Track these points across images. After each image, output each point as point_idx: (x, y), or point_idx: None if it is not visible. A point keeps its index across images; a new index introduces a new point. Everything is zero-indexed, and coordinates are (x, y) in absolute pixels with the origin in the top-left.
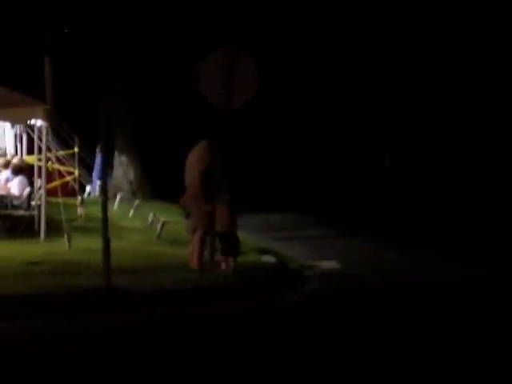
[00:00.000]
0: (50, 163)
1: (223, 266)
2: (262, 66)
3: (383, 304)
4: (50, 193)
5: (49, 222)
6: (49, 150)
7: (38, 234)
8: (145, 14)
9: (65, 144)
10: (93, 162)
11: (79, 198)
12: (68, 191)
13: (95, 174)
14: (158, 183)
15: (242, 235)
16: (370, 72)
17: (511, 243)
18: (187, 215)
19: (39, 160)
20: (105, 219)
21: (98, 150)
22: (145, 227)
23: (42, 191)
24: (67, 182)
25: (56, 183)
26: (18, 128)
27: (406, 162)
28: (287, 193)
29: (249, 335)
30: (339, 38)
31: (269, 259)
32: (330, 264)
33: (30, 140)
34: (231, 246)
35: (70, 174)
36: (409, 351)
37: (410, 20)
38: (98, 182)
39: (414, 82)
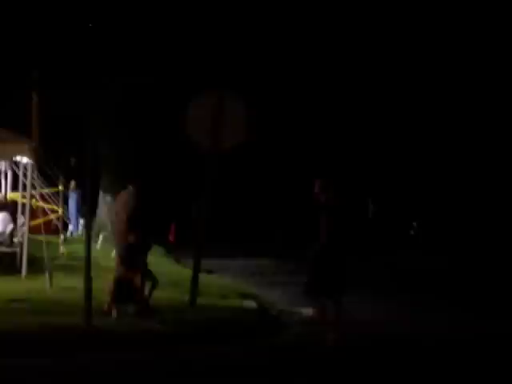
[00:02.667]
0: (34, 200)
1: (114, 313)
2: (251, 105)
3: (362, 354)
4: (34, 230)
5: (31, 259)
6: (33, 187)
7: (19, 270)
8: (134, 52)
9: (49, 182)
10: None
11: (62, 236)
12: (51, 229)
13: (72, 212)
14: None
15: (224, 279)
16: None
17: None
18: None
19: (23, 197)
20: (88, 258)
21: (71, 187)
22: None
23: (25, 228)
24: (51, 220)
25: (39, 221)
26: (3, 164)
27: (389, 211)
28: (270, 237)
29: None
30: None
31: (250, 304)
32: (310, 311)
33: (15, 176)
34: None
35: (54, 212)
36: None
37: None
38: (81, 221)
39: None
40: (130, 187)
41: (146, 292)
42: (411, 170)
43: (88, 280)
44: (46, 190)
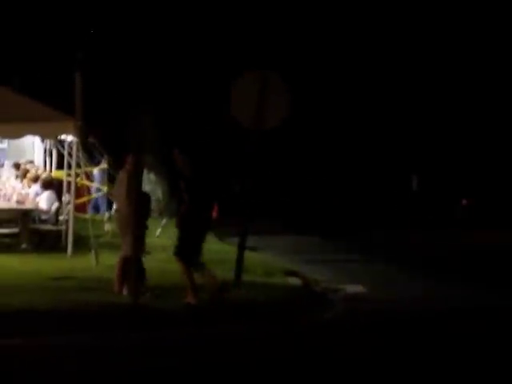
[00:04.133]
0: (79, 179)
1: (124, 291)
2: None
3: (409, 331)
4: (79, 208)
5: (76, 237)
6: (78, 165)
7: (65, 249)
8: (175, 35)
9: (94, 160)
10: None
11: (107, 214)
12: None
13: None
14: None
15: (268, 256)
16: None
17: None
18: None
19: (68, 175)
20: (134, 238)
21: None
22: (172, 246)
23: (71, 206)
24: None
25: (84, 199)
26: (48, 143)
27: (432, 185)
28: (314, 215)
29: (272, 354)
30: (364, 61)
31: (294, 281)
32: (355, 288)
33: (60, 155)
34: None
35: (99, 190)
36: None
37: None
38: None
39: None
40: (126, 166)
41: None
42: (463, 146)
43: (135, 259)
44: (90, 169)
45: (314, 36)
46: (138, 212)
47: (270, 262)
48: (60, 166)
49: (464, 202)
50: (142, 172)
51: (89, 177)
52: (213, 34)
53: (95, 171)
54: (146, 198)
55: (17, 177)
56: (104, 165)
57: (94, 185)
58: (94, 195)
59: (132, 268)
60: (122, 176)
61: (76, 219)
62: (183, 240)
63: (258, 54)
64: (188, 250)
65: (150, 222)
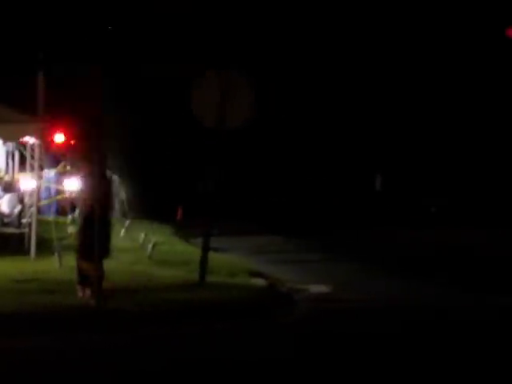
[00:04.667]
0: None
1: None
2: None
3: (368, 328)
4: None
5: (39, 240)
6: (41, 168)
7: (28, 251)
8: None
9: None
10: None
11: (70, 216)
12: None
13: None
14: (149, 203)
15: (233, 257)
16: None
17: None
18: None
19: (29, 178)
20: (98, 239)
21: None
22: (136, 247)
23: (33, 209)
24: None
25: (46, 201)
26: (10, 145)
27: (395, 184)
28: (278, 215)
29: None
30: (332, 62)
31: (259, 282)
32: (318, 288)
33: (22, 157)
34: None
35: (61, 192)
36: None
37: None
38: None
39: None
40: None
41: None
42: (427, 146)
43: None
44: (53, 171)
45: (284, 36)
46: (102, 214)
47: (235, 262)
48: (23, 169)
49: (433, 209)
50: (105, 172)
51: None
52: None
53: (52, 174)
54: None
55: None
56: (64, 167)
57: (53, 186)
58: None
59: (92, 272)
60: (84, 177)
61: (39, 222)
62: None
63: (221, 52)
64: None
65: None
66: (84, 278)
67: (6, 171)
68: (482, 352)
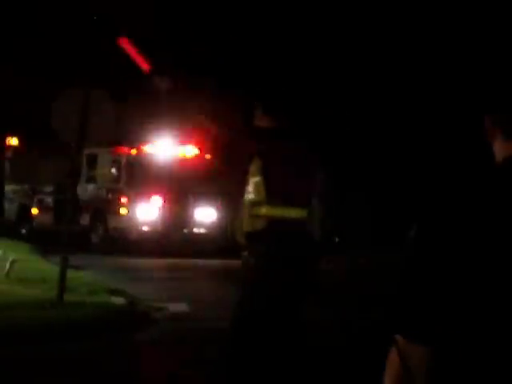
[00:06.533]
0: None
1: None
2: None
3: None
4: None
5: None
6: None
7: None
8: None
9: None
10: None
11: None
12: None
13: None
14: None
15: (93, 274)
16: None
17: None
18: None
19: None
20: None
21: None
22: None
23: None
24: None
25: None
26: None
27: None
28: None
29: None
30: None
31: (118, 300)
32: (177, 306)
33: None
34: None
35: None
36: None
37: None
38: None
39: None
40: None
41: None
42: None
43: None
44: None
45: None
46: None
47: (95, 280)
48: None
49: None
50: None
51: None
52: None
53: None
54: None
55: None
56: None
57: None
58: None
59: None
60: None
61: None
62: None
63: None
64: None
65: None
66: None
67: None
68: None
